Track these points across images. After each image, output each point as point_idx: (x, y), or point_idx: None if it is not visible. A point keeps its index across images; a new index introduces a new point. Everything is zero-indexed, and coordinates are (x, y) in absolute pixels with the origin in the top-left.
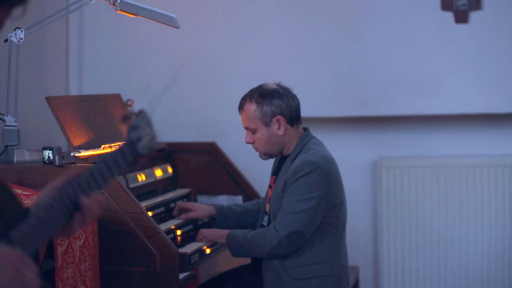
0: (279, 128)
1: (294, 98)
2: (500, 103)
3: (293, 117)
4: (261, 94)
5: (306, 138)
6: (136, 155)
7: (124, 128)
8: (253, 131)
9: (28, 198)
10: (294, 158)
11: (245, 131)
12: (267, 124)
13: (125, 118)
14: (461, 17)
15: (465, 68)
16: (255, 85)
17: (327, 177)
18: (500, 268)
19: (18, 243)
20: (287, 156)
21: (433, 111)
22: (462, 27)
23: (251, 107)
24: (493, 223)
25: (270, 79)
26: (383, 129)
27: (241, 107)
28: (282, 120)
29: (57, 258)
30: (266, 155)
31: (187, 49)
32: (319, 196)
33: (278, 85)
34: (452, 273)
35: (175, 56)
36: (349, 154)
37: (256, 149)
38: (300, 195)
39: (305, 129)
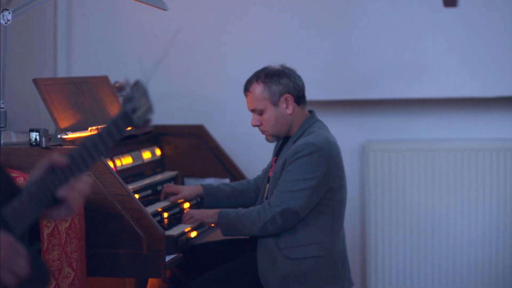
0: (287, 107)
1: (299, 78)
2: (488, 87)
3: (300, 96)
4: (267, 74)
5: (310, 121)
6: (131, 126)
7: (119, 99)
8: (261, 112)
9: (14, 180)
10: (296, 140)
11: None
12: (275, 103)
13: (121, 89)
14: (450, 1)
15: (454, 52)
16: (243, 68)
17: (327, 160)
18: (487, 251)
19: (9, 219)
20: (289, 138)
21: (422, 95)
22: (450, 10)
23: (258, 88)
24: (480, 207)
25: (259, 63)
26: (371, 112)
27: (247, 89)
28: (290, 98)
29: (43, 240)
30: (273, 137)
31: (175, 31)
32: (317, 178)
33: (282, 66)
34: (439, 257)
35: (163, 38)
36: (337, 138)
37: (263, 131)
38: (298, 174)
39: (310, 112)
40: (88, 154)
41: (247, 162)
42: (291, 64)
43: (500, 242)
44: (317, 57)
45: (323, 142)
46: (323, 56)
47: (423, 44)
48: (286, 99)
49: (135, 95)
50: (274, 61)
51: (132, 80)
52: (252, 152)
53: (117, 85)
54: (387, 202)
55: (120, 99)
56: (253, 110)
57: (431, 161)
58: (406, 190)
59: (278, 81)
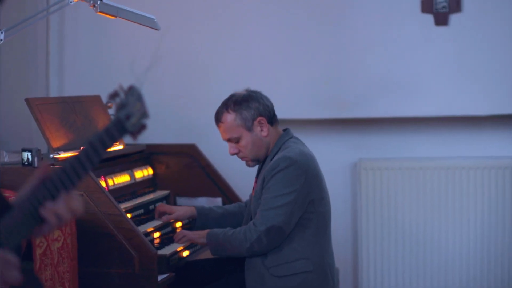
0: (262, 129)
1: (267, 98)
2: (480, 105)
3: (271, 116)
4: (236, 102)
5: (285, 137)
6: (125, 133)
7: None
8: (237, 140)
9: (4, 196)
10: (273, 157)
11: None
12: (250, 128)
13: (113, 96)
14: (441, 20)
15: (445, 71)
16: (236, 87)
17: (304, 172)
18: (479, 268)
19: (1, 236)
20: (267, 157)
21: (413, 113)
22: (442, 29)
23: (230, 117)
24: (472, 225)
25: (251, 81)
26: (363, 131)
27: (218, 120)
28: (263, 121)
29: (35, 260)
30: (253, 161)
31: (167, 51)
32: (296, 191)
33: (247, 90)
34: (431, 274)
35: (155, 58)
36: (329, 156)
37: (243, 158)
38: (277, 190)
39: (285, 129)
40: (80, 165)
41: (239, 181)
42: (283, 82)
43: (492, 259)
44: (308, 75)
45: (298, 155)
46: (314, 74)
47: (415, 62)
48: (259, 122)
49: (129, 101)
50: (266, 81)
51: (125, 86)
52: (244, 171)
53: (109, 105)
54: (379, 220)
55: (114, 106)
56: (229, 140)
57: (423, 179)
58: (397, 208)
59: (248, 106)
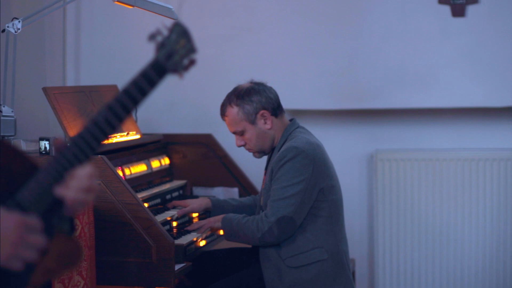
0: (265, 122)
1: (270, 90)
2: (497, 97)
3: (275, 108)
4: (238, 95)
5: (291, 128)
6: (167, 73)
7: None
8: (242, 133)
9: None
10: (280, 148)
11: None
12: (253, 122)
13: (154, 35)
14: (458, 11)
15: (462, 62)
16: (252, 77)
17: (311, 161)
18: (495, 259)
19: (26, 201)
20: (275, 148)
21: (430, 104)
22: (459, 20)
23: (233, 111)
24: (488, 216)
25: (267, 72)
26: (379, 122)
27: (223, 114)
28: (266, 113)
29: None
30: (259, 153)
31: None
32: (305, 180)
33: (251, 82)
34: (447, 265)
35: None
36: (345, 147)
37: (249, 150)
38: (286, 181)
39: (291, 120)
40: (114, 115)
41: (255, 171)
42: (299, 74)
43: (508, 251)
44: (325, 66)
45: (305, 144)
46: (331, 65)
47: (431, 54)
48: (262, 115)
49: (171, 38)
50: (283, 72)
51: (167, 26)
52: (260, 161)
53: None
54: (395, 211)
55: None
56: (234, 132)
57: (439, 170)
58: (413, 199)
59: (250, 99)
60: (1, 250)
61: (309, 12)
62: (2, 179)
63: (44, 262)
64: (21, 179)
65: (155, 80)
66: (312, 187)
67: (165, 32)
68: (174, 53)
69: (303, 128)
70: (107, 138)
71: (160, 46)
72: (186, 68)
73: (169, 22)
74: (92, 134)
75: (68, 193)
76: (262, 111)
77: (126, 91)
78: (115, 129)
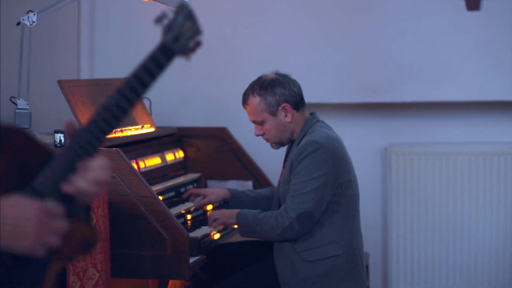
0: (286, 115)
1: (294, 83)
2: (511, 90)
3: (298, 101)
4: (262, 86)
5: (311, 122)
6: (175, 55)
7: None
8: (261, 123)
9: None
10: (300, 141)
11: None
12: (274, 113)
13: (160, 18)
14: (473, 4)
15: (476, 55)
16: (265, 69)
17: (331, 156)
18: (509, 254)
19: (42, 188)
20: (294, 142)
21: (444, 98)
22: (473, 14)
23: (255, 100)
24: (502, 210)
25: (281, 65)
26: (393, 115)
27: (244, 102)
28: (288, 107)
29: None
30: (277, 144)
31: None
32: (325, 174)
33: (276, 73)
34: (460, 259)
35: None
36: (359, 140)
37: (267, 140)
38: (305, 175)
39: (311, 113)
40: (124, 99)
41: (269, 164)
42: (314, 67)
43: None
44: (339, 60)
45: (324, 139)
46: (345, 59)
47: (446, 47)
48: (284, 108)
49: (177, 21)
50: (296, 65)
51: (172, 9)
52: (274, 155)
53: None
54: (409, 205)
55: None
56: (254, 121)
57: (453, 164)
58: (427, 193)
59: (273, 91)
60: (26, 238)
61: (323, 6)
62: (17, 167)
63: (61, 247)
64: (36, 167)
65: (163, 63)
66: (332, 182)
67: (171, 15)
68: (181, 35)
69: (322, 122)
70: (119, 122)
71: (167, 29)
72: (192, 50)
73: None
74: (104, 119)
75: (80, 184)
76: (284, 104)
77: (136, 75)
78: (126, 113)
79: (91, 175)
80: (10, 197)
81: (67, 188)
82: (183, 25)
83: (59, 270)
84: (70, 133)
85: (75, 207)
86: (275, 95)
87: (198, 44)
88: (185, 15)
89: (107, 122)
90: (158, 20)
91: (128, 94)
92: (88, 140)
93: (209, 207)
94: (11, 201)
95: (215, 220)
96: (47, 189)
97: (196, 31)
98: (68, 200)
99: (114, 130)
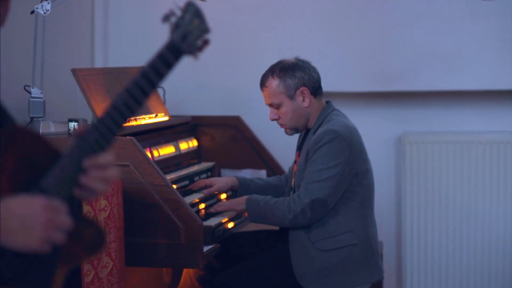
0: (303, 100)
1: (314, 69)
2: None
3: (316, 88)
4: (282, 69)
5: (328, 110)
6: (183, 55)
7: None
8: (278, 106)
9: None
10: (316, 130)
11: (268, 108)
12: (292, 97)
13: (168, 16)
14: None
15: (491, 44)
16: (280, 58)
17: (348, 145)
18: None
19: (51, 188)
20: (309, 130)
21: (458, 87)
22: (488, 3)
23: (274, 82)
24: None
25: (296, 54)
26: (407, 104)
27: (263, 84)
28: (306, 91)
29: None
30: (292, 130)
31: (213, 22)
32: (341, 164)
33: (296, 58)
34: (474, 248)
35: None
36: (373, 129)
37: (282, 125)
38: (322, 163)
39: (327, 102)
40: (132, 98)
41: (283, 153)
42: (327, 55)
43: None
44: (352, 48)
45: (342, 128)
46: (358, 47)
47: (460, 36)
48: (302, 92)
49: (185, 19)
50: (311, 53)
51: (180, 6)
52: (288, 144)
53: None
54: (423, 194)
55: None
56: (270, 105)
57: (467, 153)
58: (441, 182)
59: (293, 74)
60: (33, 233)
61: None
62: (25, 166)
63: (68, 247)
64: (44, 167)
65: (171, 62)
66: (348, 171)
67: (179, 13)
68: (188, 34)
69: (338, 111)
70: (127, 121)
71: (175, 27)
72: (200, 48)
73: (181, 2)
74: (112, 118)
75: (88, 182)
76: (302, 88)
77: (144, 74)
78: (134, 112)
79: (98, 173)
80: (18, 196)
81: (84, 180)
82: (190, 23)
83: (67, 272)
84: (78, 133)
85: (79, 205)
86: (294, 78)
87: (206, 43)
88: (193, 12)
89: (115, 121)
90: (166, 18)
91: (136, 94)
92: (97, 139)
93: (223, 196)
94: (18, 199)
95: (220, 205)
96: (54, 189)
97: (204, 29)
98: (73, 200)
99: (120, 129)
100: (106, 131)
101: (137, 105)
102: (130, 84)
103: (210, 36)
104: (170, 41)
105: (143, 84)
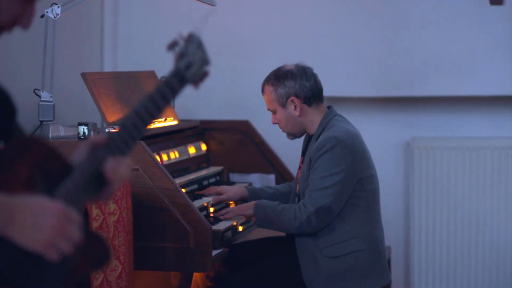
0: (295, 108)
1: (309, 78)
2: None
3: (310, 97)
4: (276, 77)
5: (329, 116)
6: (186, 83)
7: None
8: (274, 112)
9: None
10: (318, 136)
11: None
12: (283, 105)
13: (172, 45)
14: None
15: (499, 50)
16: (288, 63)
17: (350, 151)
18: None
19: (63, 199)
20: (312, 136)
21: (467, 92)
22: (497, 8)
23: (269, 89)
24: None
25: (304, 59)
26: (416, 109)
27: (262, 90)
28: (296, 101)
29: None
30: (290, 135)
31: (222, 28)
32: (344, 170)
33: (296, 65)
34: (482, 254)
35: (209, 34)
36: (382, 134)
37: (281, 130)
38: (324, 171)
39: (328, 107)
40: (140, 119)
41: (292, 158)
42: (336, 61)
43: None
44: (362, 54)
45: (343, 134)
46: (368, 53)
47: (469, 41)
48: (292, 101)
49: (189, 49)
50: (319, 59)
51: (184, 35)
52: (297, 148)
53: (163, 80)
54: (431, 199)
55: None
56: (268, 110)
57: (476, 158)
58: (450, 187)
59: (284, 83)
60: (41, 234)
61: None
62: (39, 176)
63: (76, 263)
64: (57, 177)
65: (177, 89)
66: (351, 177)
67: (182, 43)
68: (192, 63)
69: (340, 116)
70: (134, 142)
71: (180, 56)
72: (201, 79)
73: (186, 30)
74: (121, 138)
75: (113, 171)
76: (292, 97)
77: (152, 98)
78: (141, 133)
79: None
80: (38, 195)
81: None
82: (194, 54)
83: (74, 285)
84: (93, 145)
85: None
86: (284, 87)
87: (205, 74)
88: (196, 44)
89: (124, 141)
90: (170, 47)
91: (143, 116)
92: (106, 157)
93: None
94: (37, 197)
95: (228, 211)
96: (67, 199)
97: (205, 60)
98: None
99: (130, 149)
100: (116, 150)
101: (143, 127)
102: (138, 107)
103: (220, 42)
104: (175, 68)
105: (150, 108)
